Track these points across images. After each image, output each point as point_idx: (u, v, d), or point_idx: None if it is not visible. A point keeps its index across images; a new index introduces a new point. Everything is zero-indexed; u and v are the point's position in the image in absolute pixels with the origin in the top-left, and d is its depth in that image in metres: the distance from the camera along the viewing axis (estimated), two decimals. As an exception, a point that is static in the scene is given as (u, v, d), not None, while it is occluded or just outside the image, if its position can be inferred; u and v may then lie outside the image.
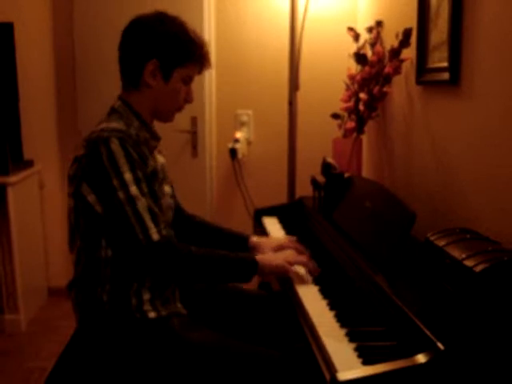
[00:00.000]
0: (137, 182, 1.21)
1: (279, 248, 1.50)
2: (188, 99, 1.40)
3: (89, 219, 1.25)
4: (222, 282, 1.38)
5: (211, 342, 1.25)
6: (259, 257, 1.35)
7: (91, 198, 1.23)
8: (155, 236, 1.20)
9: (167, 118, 1.41)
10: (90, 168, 1.22)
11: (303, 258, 1.41)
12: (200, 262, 1.27)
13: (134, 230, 1.20)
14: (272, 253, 1.48)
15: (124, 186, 1.20)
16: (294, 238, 1.57)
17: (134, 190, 1.21)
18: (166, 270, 1.25)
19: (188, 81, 1.36)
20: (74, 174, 1.26)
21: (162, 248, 1.22)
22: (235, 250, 1.46)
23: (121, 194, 1.20)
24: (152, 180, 1.28)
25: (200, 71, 1.39)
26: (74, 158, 1.27)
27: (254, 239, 1.56)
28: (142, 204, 1.21)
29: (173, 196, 1.50)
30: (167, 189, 1.43)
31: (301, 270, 1.42)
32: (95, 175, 1.22)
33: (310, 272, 1.41)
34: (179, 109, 1.40)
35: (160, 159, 1.45)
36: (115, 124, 1.27)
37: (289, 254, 1.42)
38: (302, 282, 1.36)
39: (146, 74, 1.30)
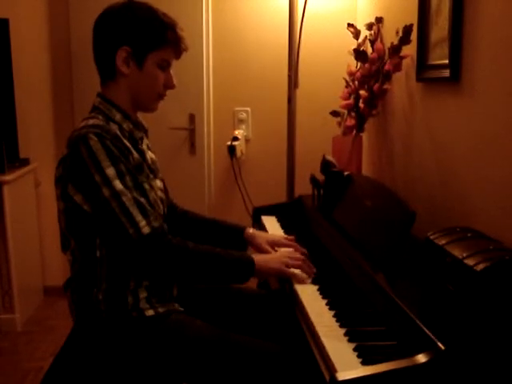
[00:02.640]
0: (120, 175, 1.19)
1: (274, 243, 1.49)
2: (168, 85, 1.34)
3: (79, 219, 1.23)
4: (218, 282, 1.36)
5: (210, 336, 1.25)
6: (256, 257, 1.33)
7: (78, 197, 1.21)
8: (146, 229, 1.19)
9: (149, 106, 1.37)
10: (73, 168, 1.21)
11: (298, 261, 1.37)
12: (196, 257, 1.25)
13: (123, 225, 1.18)
14: (267, 247, 1.48)
15: (107, 181, 1.18)
16: (292, 238, 1.56)
17: (117, 184, 1.19)
18: (159, 264, 1.23)
19: (165, 66, 1.32)
20: (60, 175, 1.24)
21: (154, 241, 1.20)
22: (231, 241, 1.48)
23: (105, 191, 1.18)
24: (137, 173, 1.26)
25: (176, 55, 1.34)
26: (59, 161, 1.26)
27: (250, 231, 1.54)
28: (128, 198, 1.19)
29: (164, 191, 1.48)
30: (158, 183, 1.41)
31: (297, 271, 1.39)
32: (78, 174, 1.20)
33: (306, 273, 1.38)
34: (160, 96, 1.36)
35: (150, 154, 1.43)
36: (93, 120, 1.26)
37: (285, 255, 1.39)
38: (301, 282, 1.34)
39: (118, 62, 1.28)
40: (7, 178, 2.56)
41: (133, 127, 1.33)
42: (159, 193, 1.38)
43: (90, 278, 1.25)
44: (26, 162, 2.83)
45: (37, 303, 2.96)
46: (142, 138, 1.38)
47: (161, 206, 1.37)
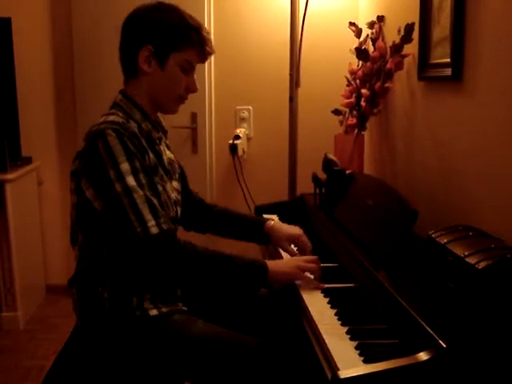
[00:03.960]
0: (134, 172, 1.19)
1: (293, 238, 1.49)
2: (191, 88, 1.35)
3: (89, 216, 1.23)
4: (228, 287, 1.32)
5: (212, 335, 1.24)
6: (270, 262, 1.28)
7: (89, 193, 1.21)
8: (154, 229, 1.17)
9: (168, 107, 1.37)
10: (89, 162, 1.21)
11: (313, 264, 1.33)
12: (205, 260, 1.22)
13: (131, 223, 1.16)
14: (285, 243, 1.47)
15: (120, 177, 1.17)
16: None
17: (131, 180, 1.18)
18: (165, 265, 1.21)
19: (187, 68, 1.33)
20: (76, 169, 1.25)
21: (161, 242, 1.18)
22: (253, 235, 1.50)
23: (118, 187, 1.17)
24: (152, 174, 1.25)
25: (201, 57, 1.34)
26: (76, 154, 1.27)
27: (270, 224, 1.52)
28: (140, 195, 1.18)
29: (182, 192, 1.47)
30: (175, 184, 1.41)
31: (310, 276, 1.35)
32: (93, 168, 1.20)
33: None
34: (180, 98, 1.36)
35: (168, 154, 1.43)
36: (113, 117, 1.26)
37: (300, 259, 1.36)
38: (311, 288, 1.30)
39: (140, 60, 1.29)
40: (9, 176, 2.56)
41: (151, 127, 1.34)
42: (174, 194, 1.37)
43: (96, 275, 1.25)
44: (28, 161, 2.84)
45: (39, 301, 2.97)
46: (160, 139, 1.38)
47: (174, 208, 1.36)
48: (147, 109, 1.33)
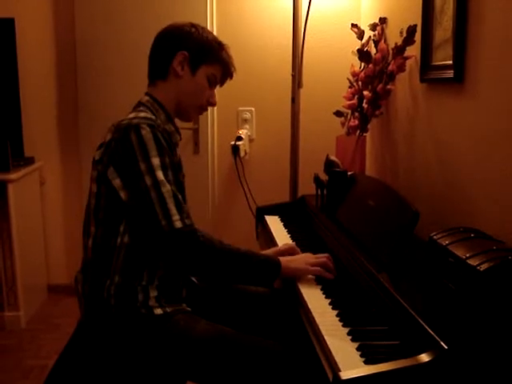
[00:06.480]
0: (163, 167, 1.24)
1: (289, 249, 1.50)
2: (211, 102, 1.46)
3: (110, 204, 1.27)
4: (241, 282, 1.41)
5: (214, 335, 1.25)
6: (283, 259, 1.36)
7: (116, 182, 1.25)
8: (178, 223, 1.21)
9: (189, 114, 1.45)
10: (119, 152, 1.25)
11: (323, 258, 1.39)
12: (223, 257, 1.27)
13: (156, 216, 1.21)
14: (284, 247, 1.49)
15: (151, 170, 1.22)
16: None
17: (160, 175, 1.22)
18: (185, 260, 1.24)
19: (212, 82, 1.44)
20: (100, 158, 1.28)
21: (183, 237, 1.22)
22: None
23: (147, 179, 1.22)
24: (177, 171, 1.31)
25: (224, 76, 1.47)
26: (100, 144, 1.31)
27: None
28: (167, 190, 1.22)
29: None
30: None
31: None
32: (123, 159, 1.24)
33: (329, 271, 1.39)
34: (201, 108, 1.45)
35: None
36: (144, 114, 1.32)
37: (309, 255, 1.42)
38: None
39: (175, 62, 1.38)
40: (12, 176, 2.57)
41: (174, 130, 1.41)
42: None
43: (105, 267, 1.26)
44: (30, 161, 2.84)
45: (41, 301, 2.97)
46: (176, 144, 1.43)
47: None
48: (170, 111, 1.40)
